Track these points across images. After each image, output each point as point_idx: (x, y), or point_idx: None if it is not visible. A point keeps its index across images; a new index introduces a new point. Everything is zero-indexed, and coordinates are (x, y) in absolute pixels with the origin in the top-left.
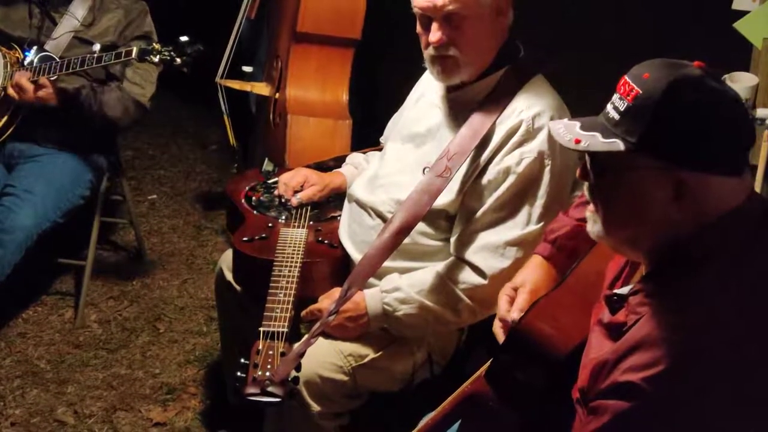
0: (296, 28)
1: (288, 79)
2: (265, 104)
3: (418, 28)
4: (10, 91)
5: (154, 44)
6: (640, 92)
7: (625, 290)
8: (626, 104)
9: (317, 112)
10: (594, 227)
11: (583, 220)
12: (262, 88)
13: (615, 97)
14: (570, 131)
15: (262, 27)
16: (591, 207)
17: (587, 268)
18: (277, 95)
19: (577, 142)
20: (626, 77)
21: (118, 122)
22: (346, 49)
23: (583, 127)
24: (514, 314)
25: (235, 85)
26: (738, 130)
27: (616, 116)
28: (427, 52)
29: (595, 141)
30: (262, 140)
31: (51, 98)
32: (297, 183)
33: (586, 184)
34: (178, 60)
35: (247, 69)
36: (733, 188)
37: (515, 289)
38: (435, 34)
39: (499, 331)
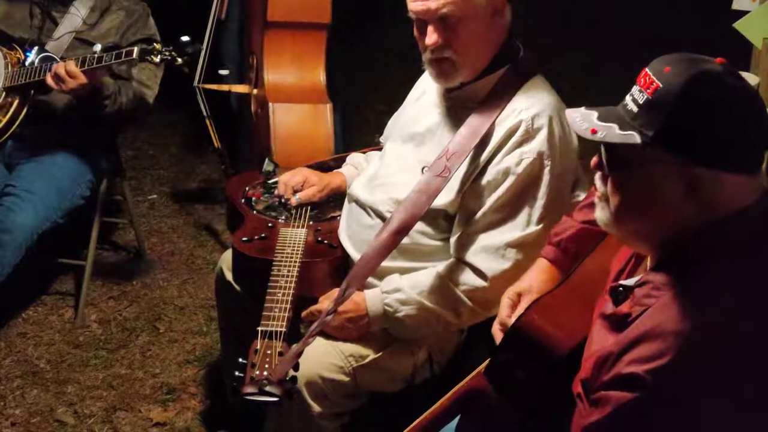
0: (267, 18)
1: (265, 69)
2: (247, 103)
3: (415, 32)
4: (50, 80)
5: (155, 44)
6: (660, 86)
7: (631, 282)
8: (646, 97)
9: (296, 98)
10: (602, 214)
11: (588, 223)
12: (240, 88)
13: (635, 89)
14: (587, 120)
15: (231, 29)
16: (599, 193)
17: (591, 267)
18: (255, 90)
19: (594, 132)
20: (647, 69)
21: (127, 116)
22: (318, 32)
23: (601, 118)
24: (514, 320)
25: (213, 87)
26: (755, 128)
27: (635, 108)
28: (425, 56)
29: (612, 132)
30: (254, 139)
31: (87, 88)
32: (297, 183)
33: (598, 174)
34: (179, 60)
35: (224, 72)
36: (746, 186)
37: (519, 295)
38: (431, 36)
39: (498, 334)
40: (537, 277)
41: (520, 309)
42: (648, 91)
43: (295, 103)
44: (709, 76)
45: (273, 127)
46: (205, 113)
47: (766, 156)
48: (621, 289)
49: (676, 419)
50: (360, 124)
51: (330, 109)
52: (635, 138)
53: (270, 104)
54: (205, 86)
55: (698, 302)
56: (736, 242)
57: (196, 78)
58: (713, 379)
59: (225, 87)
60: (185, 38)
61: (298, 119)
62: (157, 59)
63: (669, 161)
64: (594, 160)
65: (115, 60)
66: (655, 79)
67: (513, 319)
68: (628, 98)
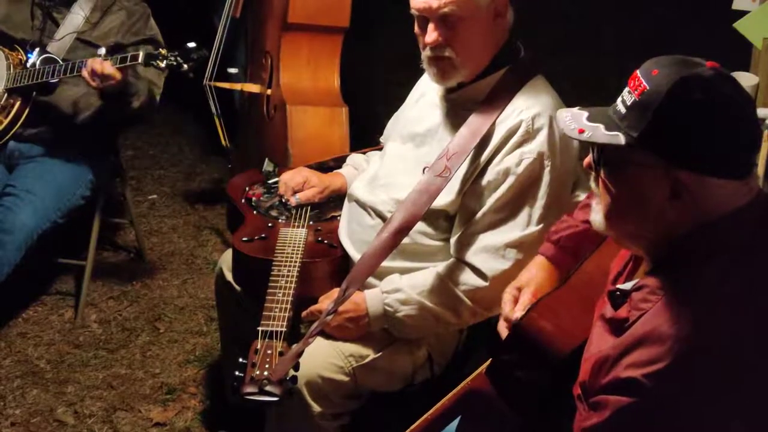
0: (287, 20)
1: (281, 71)
2: (256, 103)
3: (416, 29)
4: (85, 74)
5: (160, 49)
6: (648, 88)
7: (628, 286)
8: (633, 99)
9: (312, 101)
10: (595, 217)
11: (588, 222)
12: (252, 87)
13: (625, 90)
14: (576, 120)
15: (241, 29)
16: (594, 197)
17: (591, 268)
18: (269, 91)
19: (581, 131)
20: (637, 71)
21: (140, 113)
22: (335, 36)
23: (590, 118)
24: (518, 313)
25: (225, 85)
26: (742, 134)
27: (623, 110)
28: (424, 54)
29: (598, 132)
30: (258, 140)
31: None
32: (297, 183)
33: (592, 174)
34: (185, 66)
35: (233, 70)
36: (735, 190)
37: (519, 289)
38: (431, 35)
39: (504, 331)
40: (535, 273)
41: (522, 302)
42: (636, 92)
43: (313, 106)
44: (696, 80)
45: (290, 129)
46: (214, 111)
47: (760, 158)
48: (618, 293)
49: (675, 423)
50: (364, 126)
51: (345, 112)
52: (620, 139)
53: (288, 106)
54: (217, 84)
55: (694, 305)
56: (729, 244)
57: (207, 76)
58: (711, 382)
59: (237, 86)
60: (191, 44)
61: (315, 122)
62: (163, 64)
63: (653, 164)
64: (586, 160)
65: (120, 64)
66: (643, 80)
67: (517, 314)
68: (618, 99)
